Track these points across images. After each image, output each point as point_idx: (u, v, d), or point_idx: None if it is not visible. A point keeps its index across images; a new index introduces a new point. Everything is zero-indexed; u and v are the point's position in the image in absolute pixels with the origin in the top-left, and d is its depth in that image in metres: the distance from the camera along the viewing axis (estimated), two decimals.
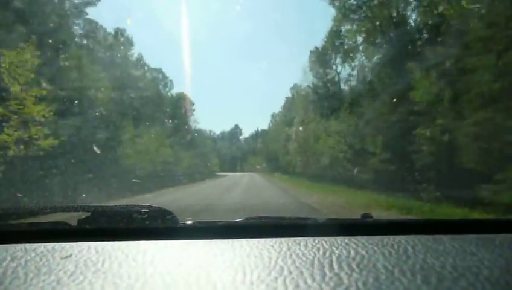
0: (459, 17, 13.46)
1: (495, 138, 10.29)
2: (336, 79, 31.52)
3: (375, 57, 22.44)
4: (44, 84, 13.23)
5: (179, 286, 0.82)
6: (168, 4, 51.58)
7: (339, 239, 1.12)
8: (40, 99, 12.46)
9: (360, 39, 24.31)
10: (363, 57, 25.43)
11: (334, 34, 28.08)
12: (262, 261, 0.94)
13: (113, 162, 17.52)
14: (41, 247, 1.09)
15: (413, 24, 19.95)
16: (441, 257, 0.95)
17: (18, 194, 10.48)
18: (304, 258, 0.95)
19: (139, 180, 18.59)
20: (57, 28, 17.42)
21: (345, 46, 27.59)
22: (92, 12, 27.66)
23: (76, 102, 16.55)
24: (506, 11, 10.69)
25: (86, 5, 22.45)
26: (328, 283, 0.80)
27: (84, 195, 12.67)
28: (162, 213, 1.36)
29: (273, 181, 31.76)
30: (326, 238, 1.14)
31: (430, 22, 17.54)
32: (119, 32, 30.26)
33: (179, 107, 40.25)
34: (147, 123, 26.43)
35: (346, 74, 30.14)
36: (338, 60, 30.76)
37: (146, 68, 35.45)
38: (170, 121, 34.49)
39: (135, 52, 33.19)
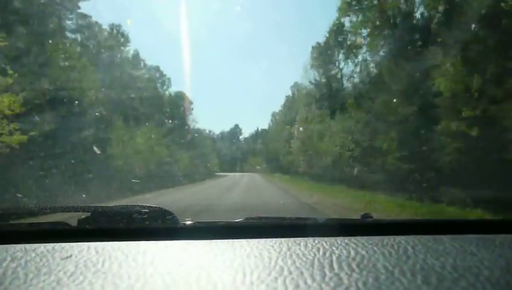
0: None
1: None
2: (339, 76, 31.30)
3: (384, 48, 21.11)
4: (11, 72, 11.17)
5: (179, 286, 0.82)
6: (168, 4, 51.62)
7: (339, 239, 1.12)
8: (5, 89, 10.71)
9: (364, 32, 23.36)
10: (368, 50, 24.35)
11: (337, 30, 27.75)
12: (263, 262, 0.94)
13: (104, 162, 17.04)
14: (41, 247, 1.09)
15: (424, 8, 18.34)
16: (441, 257, 0.95)
17: (18, 195, 10.35)
18: (304, 259, 0.95)
19: (139, 181, 18.48)
20: (41, 15, 16.30)
21: (348, 42, 27.15)
22: (91, 12, 27.41)
23: (64, 99, 15.31)
24: None
25: None
26: (328, 283, 0.80)
27: (84, 195, 12.58)
28: (162, 213, 1.36)
29: (274, 181, 31.62)
30: (326, 239, 1.14)
31: None
32: (114, 28, 29.90)
33: (177, 106, 39.69)
34: (143, 122, 25.91)
35: (349, 70, 29.89)
36: (341, 56, 30.67)
37: (142, 65, 34.99)
38: (168, 120, 34.08)
39: (131, 48, 32.74)
